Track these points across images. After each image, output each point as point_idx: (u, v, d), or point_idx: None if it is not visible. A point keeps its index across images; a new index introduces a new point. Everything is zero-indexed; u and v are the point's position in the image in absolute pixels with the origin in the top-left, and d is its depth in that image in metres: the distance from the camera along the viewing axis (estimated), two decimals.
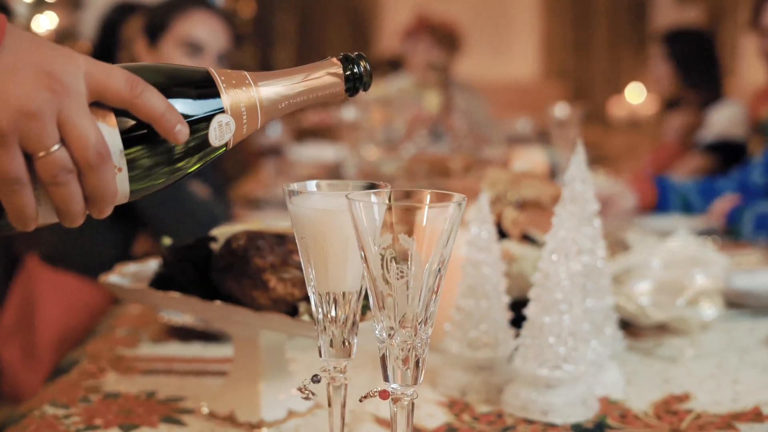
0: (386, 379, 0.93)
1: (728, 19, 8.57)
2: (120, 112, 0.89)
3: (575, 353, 1.28)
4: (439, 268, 0.91)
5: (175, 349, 1.60)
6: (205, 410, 1.29)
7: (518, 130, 4.51)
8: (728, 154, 4.00)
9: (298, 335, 1.20)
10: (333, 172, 3.19)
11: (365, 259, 0.91)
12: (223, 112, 0.94)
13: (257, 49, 8.57)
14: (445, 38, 5.23)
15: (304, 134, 5.76)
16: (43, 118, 0.83)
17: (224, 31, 2.85)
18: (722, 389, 1.40)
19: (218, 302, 1.22)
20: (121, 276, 1.37)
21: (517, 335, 1.39)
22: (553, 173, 3.10)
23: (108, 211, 0.90)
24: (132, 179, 0.91)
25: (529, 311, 1.30)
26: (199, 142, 0.94)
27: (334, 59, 0.99)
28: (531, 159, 3.04)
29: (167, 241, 1.33)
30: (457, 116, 4.20)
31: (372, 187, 0.98)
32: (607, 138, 8.18)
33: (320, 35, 9.37)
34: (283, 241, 1.23)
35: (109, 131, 0.88)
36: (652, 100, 8.96)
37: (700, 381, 1.44)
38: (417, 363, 0.92)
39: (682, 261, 1.64)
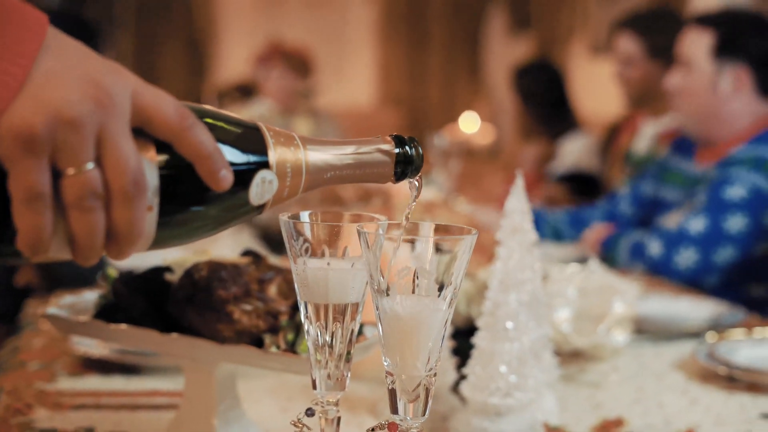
0: (395, 411, 0.92)
1: (559, 50, 8.88)
2: (160, 145, 0.81)
3: (523, 381, 1.30)
4: (451, 300, 0.91)
5: (96, 382, 1.54)
6: None
7: None
8: (580, 185, 4.15)
9: (265, 367, 1.18)
10: None
11: (376, 291, 0.91)
12: (268, 168, 0.88)
13: None
14: (298, 64, 5.24)
15: None
16: (83, 130, 0.74)
17: None
18: (651, 413, 1.46)
19: (175, 335, 1.18)
20: (58, 308, 1.31)
21: (459, 364, 1.40)
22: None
23: (128, 254, 0.80)
24: (158, 225, 0.82)
25: (478, 340, 1.31)
26: (236, 197, 0.86)
27: (387, 137, 0.94)
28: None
29: (113, 272, 1.28)
30: None
31: (369, 218, 0.98)
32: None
33: (157, 59, 9.23)
34: (239, 272, 1.21)
35: (148, 164, 0.80)
36: (486, 130, 9.21)
37: (627, 405, 1.49)
38: (426, 394, 0.92)
39: (596, 289, 1.69)
